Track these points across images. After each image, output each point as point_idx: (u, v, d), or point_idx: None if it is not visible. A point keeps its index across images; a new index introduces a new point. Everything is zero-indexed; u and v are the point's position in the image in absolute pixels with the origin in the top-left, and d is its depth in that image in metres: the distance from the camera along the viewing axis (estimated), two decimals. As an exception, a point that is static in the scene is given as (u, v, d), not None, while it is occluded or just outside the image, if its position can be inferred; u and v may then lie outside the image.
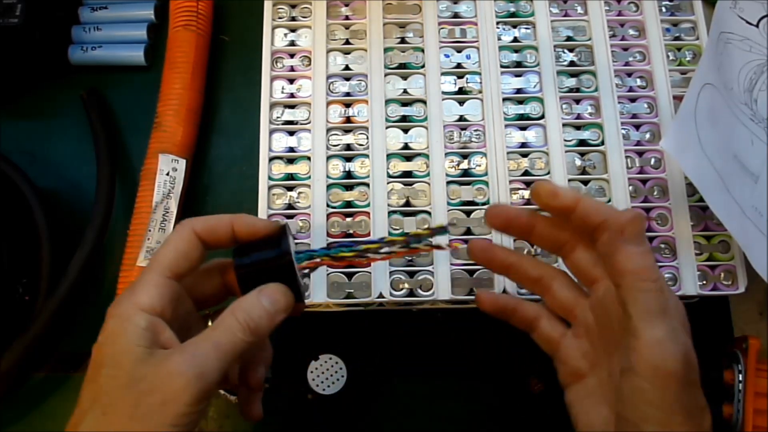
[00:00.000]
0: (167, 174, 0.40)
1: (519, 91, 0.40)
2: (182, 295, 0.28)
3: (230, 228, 0.28)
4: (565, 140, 0.39)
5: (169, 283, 0.27)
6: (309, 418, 0.39)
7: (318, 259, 0.29)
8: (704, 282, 0.37)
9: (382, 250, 0.29)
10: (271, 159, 0.39)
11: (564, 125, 0.39)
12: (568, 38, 0.41)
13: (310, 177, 0.38)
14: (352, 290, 0.36)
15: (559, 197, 0.27)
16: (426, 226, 0.37)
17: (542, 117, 0.39)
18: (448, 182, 0.38)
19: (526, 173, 0.39)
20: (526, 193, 0.38)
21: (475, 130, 0.39)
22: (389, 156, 0.39)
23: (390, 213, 0.38)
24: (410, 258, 0.37)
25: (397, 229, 0.37)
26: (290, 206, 0.38)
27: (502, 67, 0.40)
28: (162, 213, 0.40)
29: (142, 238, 0.40)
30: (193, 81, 0.43)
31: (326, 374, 0.38)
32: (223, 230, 0.28)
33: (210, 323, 0.30)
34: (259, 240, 0.28)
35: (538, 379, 0.39)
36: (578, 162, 0.39)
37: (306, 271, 0.29)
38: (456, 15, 0.42)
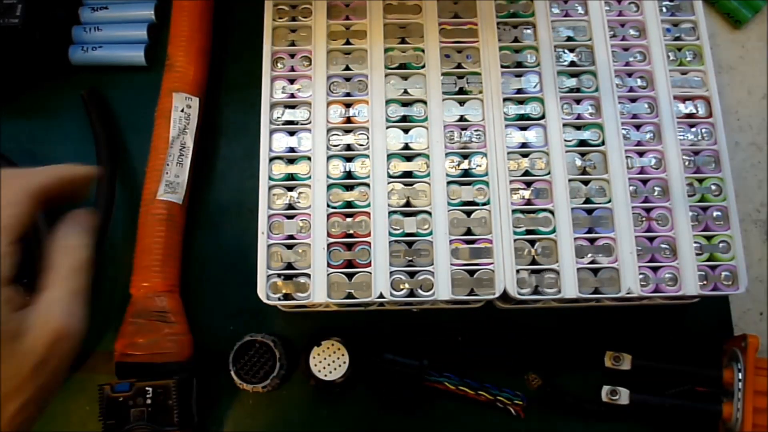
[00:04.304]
0: (182, 110, 0.41)
1: (519, 91, 0.40)
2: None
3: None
4: (566, 140, 0.39)
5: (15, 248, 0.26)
6: (312, 403, 0.40)
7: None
8: (704, 282, 0.37)
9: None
10: (271, 159, 0.39)
11: (564, 125, 0.39)
12: (569, 38, 0.41)
13: (310, 177, 0.38)
14: (352, 290, 0.36)
15: None
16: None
17: (542, 117, 0.39)
18: (449, 182, 0.38)
19: (526, 173, 0.39)
20: (527, 193, 0.38)
21: (476, 131, 0.39)
22: (390, 156, 0.39)
23: (390, 213, 0.38)
24: (410, 259, 0.37)
25: (398, 230, 0.38)
26: (290, 206, 0.38)
27: (502, 67, 0.40)
28: (179, 147, 0.41)
29: (160, 173, 0.41)
30: (202, 23, 0.45)
31: (328, 360, 0.38)
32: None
33: None
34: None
35: (536, 375, 0.39)
36: (578, 162, 0.39)
37: None
38: (456, 15, 0.42)
